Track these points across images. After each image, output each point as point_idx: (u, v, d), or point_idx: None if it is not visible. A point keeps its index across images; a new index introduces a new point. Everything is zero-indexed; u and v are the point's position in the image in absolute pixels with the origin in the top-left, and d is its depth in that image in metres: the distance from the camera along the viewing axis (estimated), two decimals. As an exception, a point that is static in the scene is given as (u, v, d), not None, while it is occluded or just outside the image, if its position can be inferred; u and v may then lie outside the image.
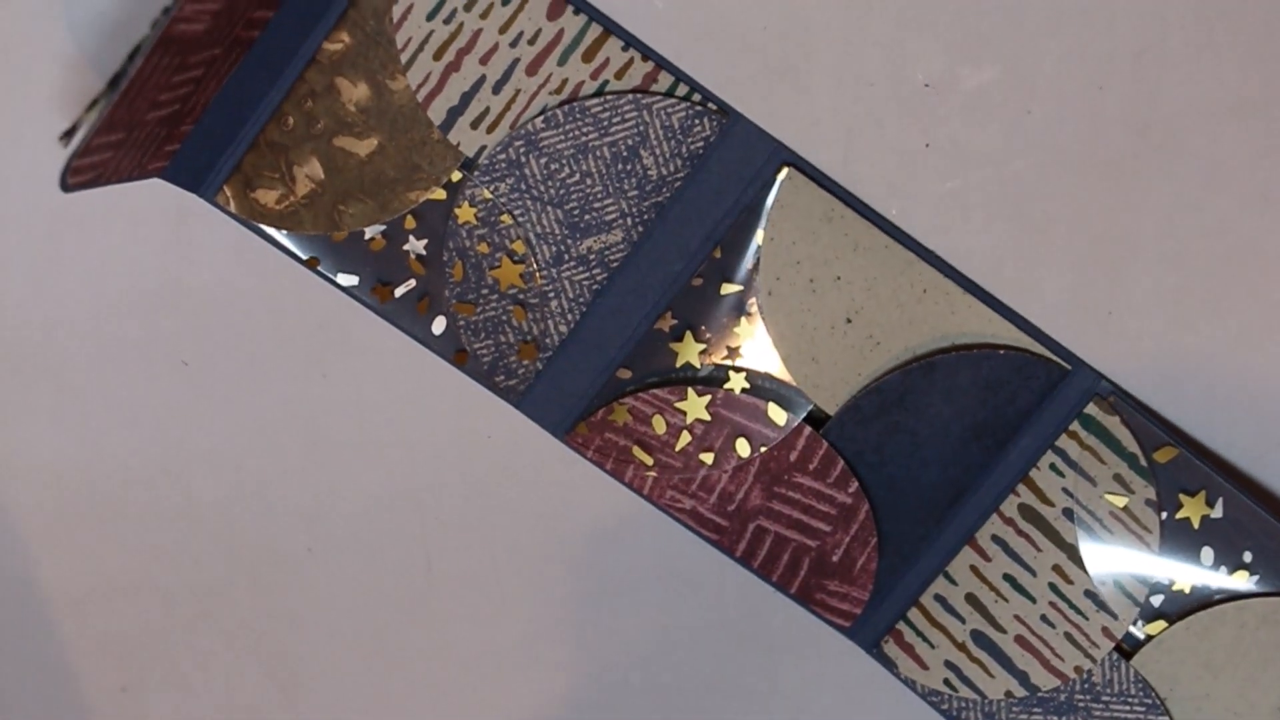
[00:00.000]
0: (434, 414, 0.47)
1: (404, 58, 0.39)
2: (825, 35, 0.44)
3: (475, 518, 0.49)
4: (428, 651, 0.52)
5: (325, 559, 0.50)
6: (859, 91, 0.43)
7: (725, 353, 0.41)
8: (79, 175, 0.37)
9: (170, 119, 0.39)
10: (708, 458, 0.40)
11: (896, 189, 0.44)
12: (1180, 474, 0.41)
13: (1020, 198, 0.45)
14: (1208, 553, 0.41)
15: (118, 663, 0.51)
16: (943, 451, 0.41)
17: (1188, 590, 0.41)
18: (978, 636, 0.41)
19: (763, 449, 0.41)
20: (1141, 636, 0.42)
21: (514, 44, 0.39)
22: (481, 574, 0.50)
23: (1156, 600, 0.42)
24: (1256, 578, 0.41)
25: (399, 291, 0.41)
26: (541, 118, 0.39)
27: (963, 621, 0.41)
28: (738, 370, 0.41)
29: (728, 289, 0.40)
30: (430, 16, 0.38)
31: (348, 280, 0.41)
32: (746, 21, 0.44)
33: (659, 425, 0.41)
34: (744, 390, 0.41)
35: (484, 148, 0.40)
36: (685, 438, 0.40)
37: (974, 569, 0.41)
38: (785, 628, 0.49)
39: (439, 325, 0.41)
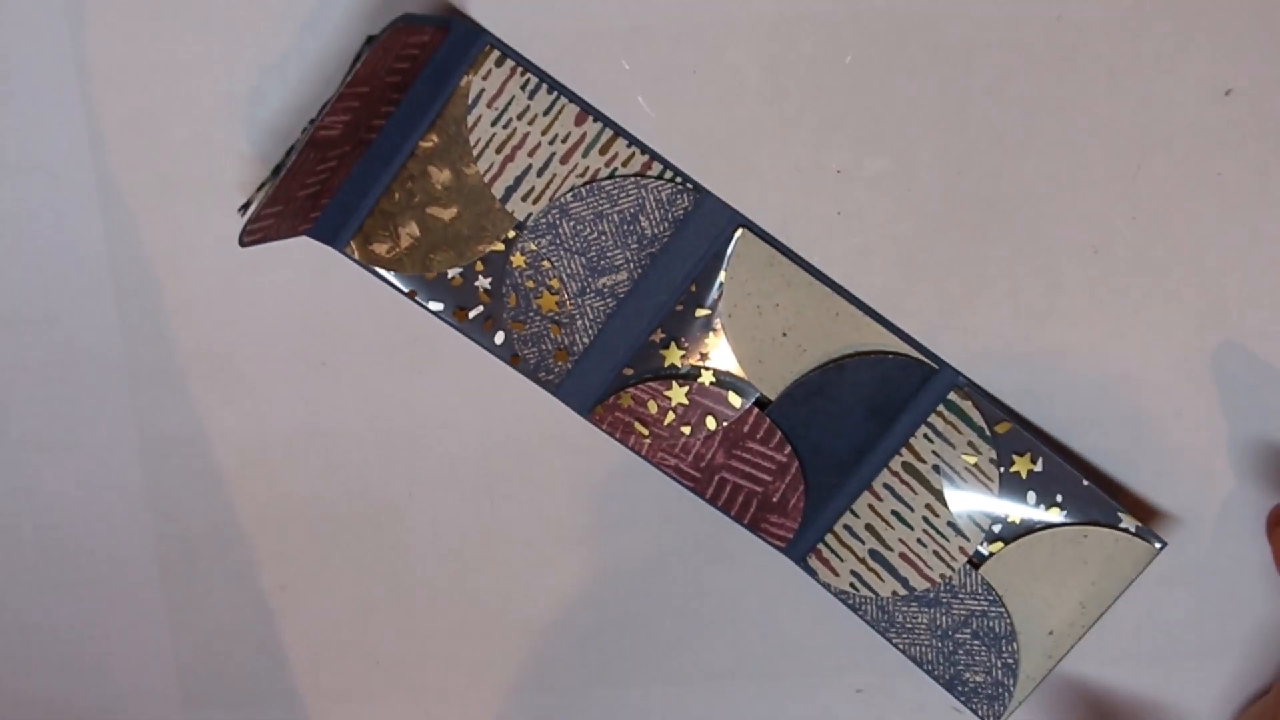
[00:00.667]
0: (497, 403, 0.54)
1: (475, 152, 0.50)
2: (769, 139, 0.52)
3: (525, 472, 0.56)
4: (490, 561, 0.58)
5: (421, 501, 0.58)
6: (792, 176, 0.53)
7: (698, 357, 0.52)
8: (251, 235, 0.48)
9: (313, 195, 0.50)
10: (686, 429, 0.53)
11: (818, 244, 0.53)
12: (1013, 441, 0.52)
13: (906, 249, 0.53)
14: (1031, 495, 0.52)
15: (280, 570, 0.59)
16: (849, 426, 0.53)
17: (1018, 521, 0.53)
18: (874, 554, 0.54)
19: (725, 424, 0.53)
20: (986, 553, 0.53)
21: (551, 142, 0.50)
22: (528, 511, 0.57)
23: (996, 528, 0.53)
24: (1065, 513, 0.52)
25: (471, 314, 0.53)
26: (571, 193, 0.51)
27: (863, 543, 0.54)
28: (707, 369, 0.52)
29: (700, 312, 0.52)
30: (494, 123, 0.50)
31: (436, 306, 0.52)
32: (713, 127, 0.51)
33: (652, 407, 0.53)
34: (712, 383, 0.53)
35: (530, 214, 0.51)
36: (671, 416, 0.53)
37: (871, 507, 0.53)
38: (739, 548, 0.56)
39: (499, 338, 0.53)
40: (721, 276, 0.51)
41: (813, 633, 0.58)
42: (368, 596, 0.59)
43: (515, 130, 0.50)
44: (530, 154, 0.51)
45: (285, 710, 0.61)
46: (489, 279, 0.52)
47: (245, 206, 0.52)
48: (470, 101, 0.50)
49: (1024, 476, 0.52)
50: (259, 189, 0.52)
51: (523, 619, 0.59)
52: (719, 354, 0.52)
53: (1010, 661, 0.54)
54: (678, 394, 0.53)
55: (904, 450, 0.53)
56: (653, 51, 0.52)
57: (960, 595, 0.54)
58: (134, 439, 0.57)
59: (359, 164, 0.50)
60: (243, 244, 0.48)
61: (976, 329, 0.54)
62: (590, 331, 0.52)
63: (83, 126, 0.53)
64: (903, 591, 0.54)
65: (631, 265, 0.52)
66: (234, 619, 0.59)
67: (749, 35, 0.52)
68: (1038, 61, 0.52)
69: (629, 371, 0.53)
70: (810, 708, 0.59)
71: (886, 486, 0.53)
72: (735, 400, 0.53)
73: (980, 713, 0.54)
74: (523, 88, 0.50)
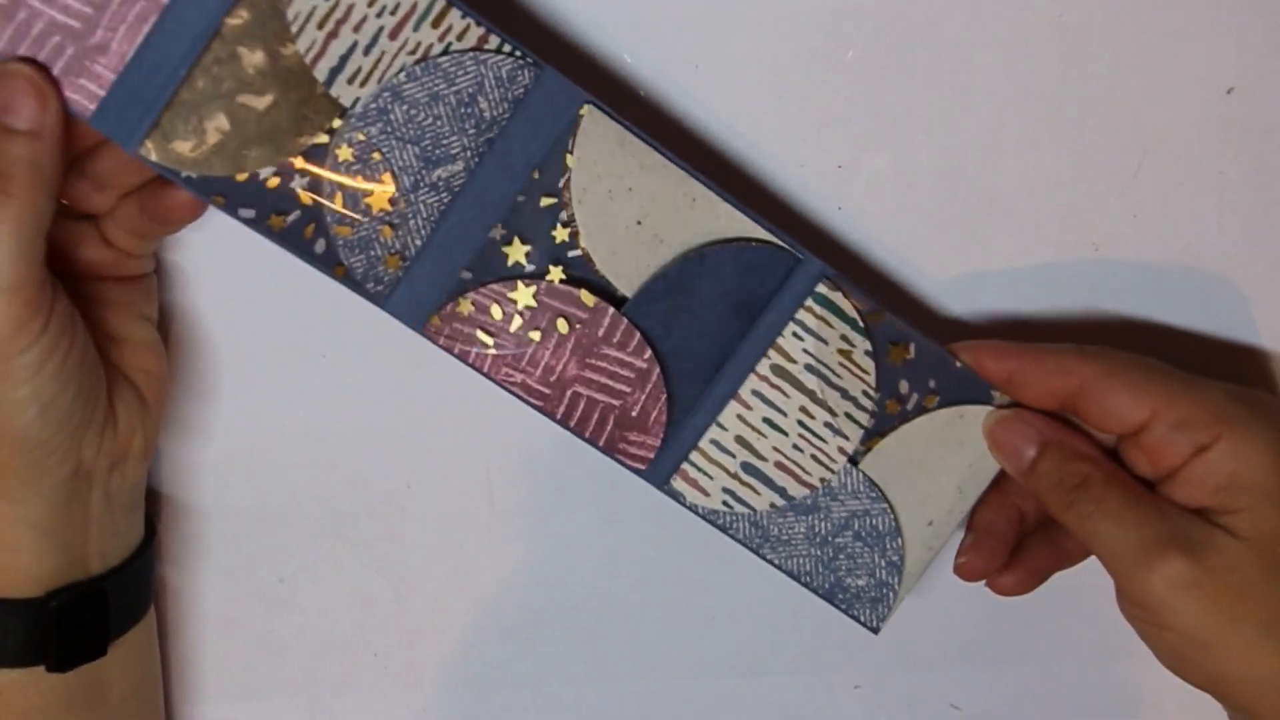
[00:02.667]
0: (497, 395, 0.50)
1: (294, 29, 0.45)
2: (770, 134, 0.53)
3: (525, 465, 0.57)
4: (489, 553, 0.58)
5: (420, 493, 0.57)
6: (793, 171, 0.53)
7: (545, 251, 0.48)
8: None
9: (71, 34, 0.44)
10: (535, 335, 0.49)
11: (820, 240, 0.54)
12: (888, 331, 0.50)
13: (906, 245, 0.54)
14: (904, 384, 0.50)
15: (278, 562, 0.58)
16: (712, 324, 0.49)
17: (895, 412, 0.50)
18: (746, 467, 0.50)
19: (578, 326, 0.49)
20: (864, 449, 0.51)
21: (379, 15, 0.46)
22: (527, 504, 0.57)
23: (872, 423, 0.50)
24: (939, 398, 0.50)
25: (289, 219, 0.47)
26: (404, 73, 0.46)
27: (734, 457, 0.50)
28: (556, 265, 0.48)
29: (546, 201, 0.48)
30: None
31: (247, 214, 0.47)
32: (713, 123, 0.53)
33: (496, 313, 0.48)
34: (562, 280, 0.48)
35: (358, 99, 0.46)
36: (518, 321, 0.48)
37: (740, 417, 0.50)
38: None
39: (320, 246, 0.47)
40: (568, 160, 0.47)
41: (811, 629, 0.59)
42: (366, 589, 0.59)
43: (338, 2, 0.45)
44: (356, 29, 0.46)
45: (283, 703, 0.60)
46: (308, 177, 0.47)
47: None
48: (286, -31, 0.45)
49: (899, 365, 0.50)
50: None
51: (521, 612, 0.59)
52: (567, 247, 0.48)
53: (895, 559, 0.51)
54: (524, 295, 0.48)
55: (772, 351, 0.50)
56: (655, 47, 0.52)
57: (840, 497, 0.51)
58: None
59: (150, 41, 0.45)
60: None
61: (975, 327, 0.55)
62: (424, 232, 0.48)
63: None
64: (780, 502, 0.51)
65: (468, 154, 0.47)
66: (231, 611, 0.59)
67: (751, 31, 0.52)
68: (1038, 61, 0.53)
69: (468, 274, 0.48)
70: (808, 705, 0.59)
71: (756, 393, 0.50)
72: (588, 299, 0.48)
73: (863, 617, 0.52)
74: (345, -48, 0.45)
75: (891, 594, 0.52)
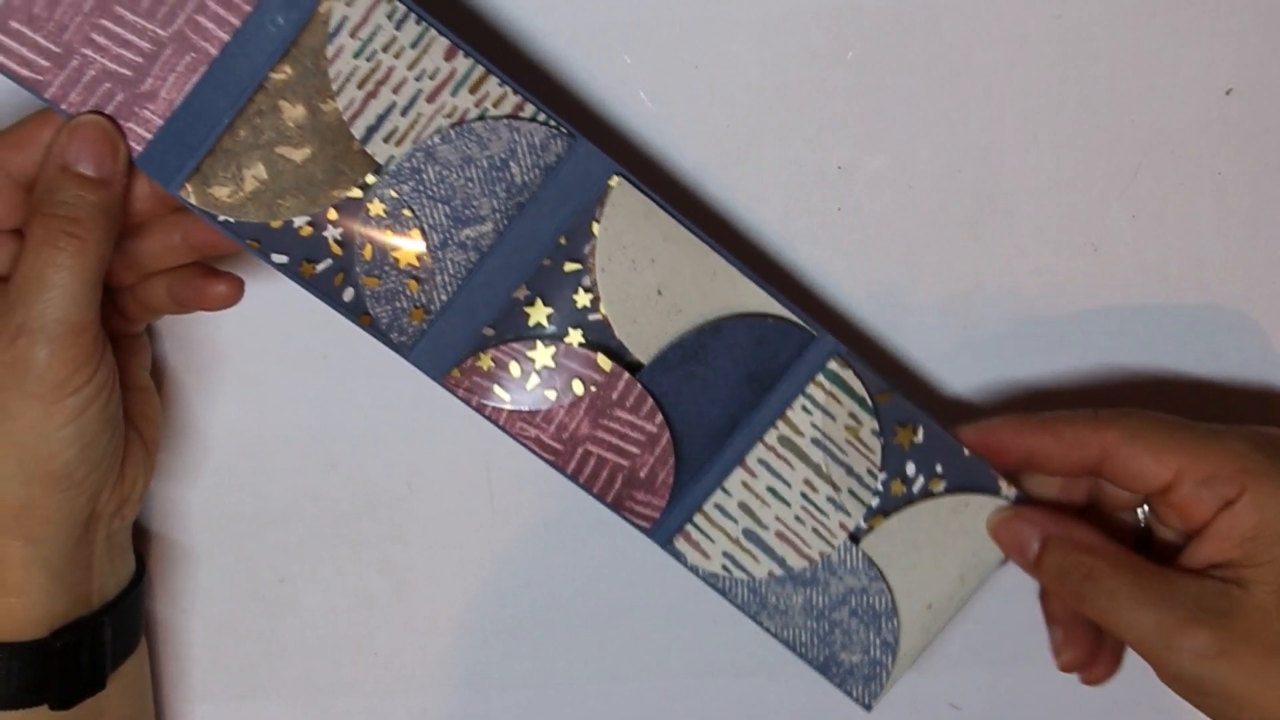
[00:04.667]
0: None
1: (335, 86, 0.47)
2: (770, 134, 0.53)
3: (525, 465, 0.54)
4: (489, 553, 0.58)
5: (420, 494, 0.58)
6: (792, 172, 0.54)
7: (567, 315, 0.49)
8: (5, 54, 0.45)
9: (122, 82, 0.46)
10: (551, 394, 0.50)
11: (818, 240, 0.54)
12: (895, 411, 0.51)
13: (906, 246, 0.54)
14: (911, 466, 0.51)
15: (279, 562, 0.59)
16: (724, 393, 0.50)
17: (899, 493, 0.51)
18: (748, 533, 0.51)
19: (593, 389, 0.50)
20: (866, 527, 0.51)
21: (418, 78, 0.47)
22: (527, 504, 0.57)
23: (876, 502, 0.51)
24: (945, 483, 0.51)
25: (319, 267, 0.48)
26: (438, 135, 0.48)
27: (736, 523, 0.51)
28: (576, 328, 0.49)
29: (570, 267, 0.49)
30: (356, 55, 0.46)
31: (280, 259, 0.48)
32: (714, 122, 0.53)
33: (515, 370, 0.49)
34: (580, 344, 0.49)
35: (392, 157, 0.48)
36: (535, 379, 0.50)
37: (744, 484, 0.51)
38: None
39: (349, 295, 0.49)
40: (595, 228, 0.49)
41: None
42: (366, 589, 0.59)
43: (380, 64, 0.47)
44: (395, 90, 0.47)
45: (283, 703, 0.60)
46: (340, 229, 0.48)
47: None
48: (331, 30, 0.46)
49: (906, 448, 0.51)
50: None
51: (521, 612, 0.59)
52: (588, 312, 0.49)
53: (890, 639, 0.52)
54: (543, 355, 0.49)
55: (780, 423, 0.51)
56: (655, 47, 0.53)
57: (839, 573, 0.52)
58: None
59: (196, 91, 0.46)
60: None
61: (976, 327, 0.55)
62: (450, 288, 0.49)
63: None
64: (779, 572, 0.52)
65: (498, 216, 0.48)
66: (233, 611, 0.59)
67: (751, 31, 0.53)
68: (1038, 61, 0.53)
69: (490, 331, 0.49)
70: (808, 705, 0.59)
71: (762, 462, 0.51)
72: (605, 363, 0.49)
73: (855, 694, 0.52)
74: (389, 16, 0.46)
75: (884, 673, 0.53)
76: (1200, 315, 0.55)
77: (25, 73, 0.46)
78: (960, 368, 0.56)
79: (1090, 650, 0.52)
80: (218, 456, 0.58)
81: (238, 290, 0.51)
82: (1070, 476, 0.51)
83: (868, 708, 0.53)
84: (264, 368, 0.57)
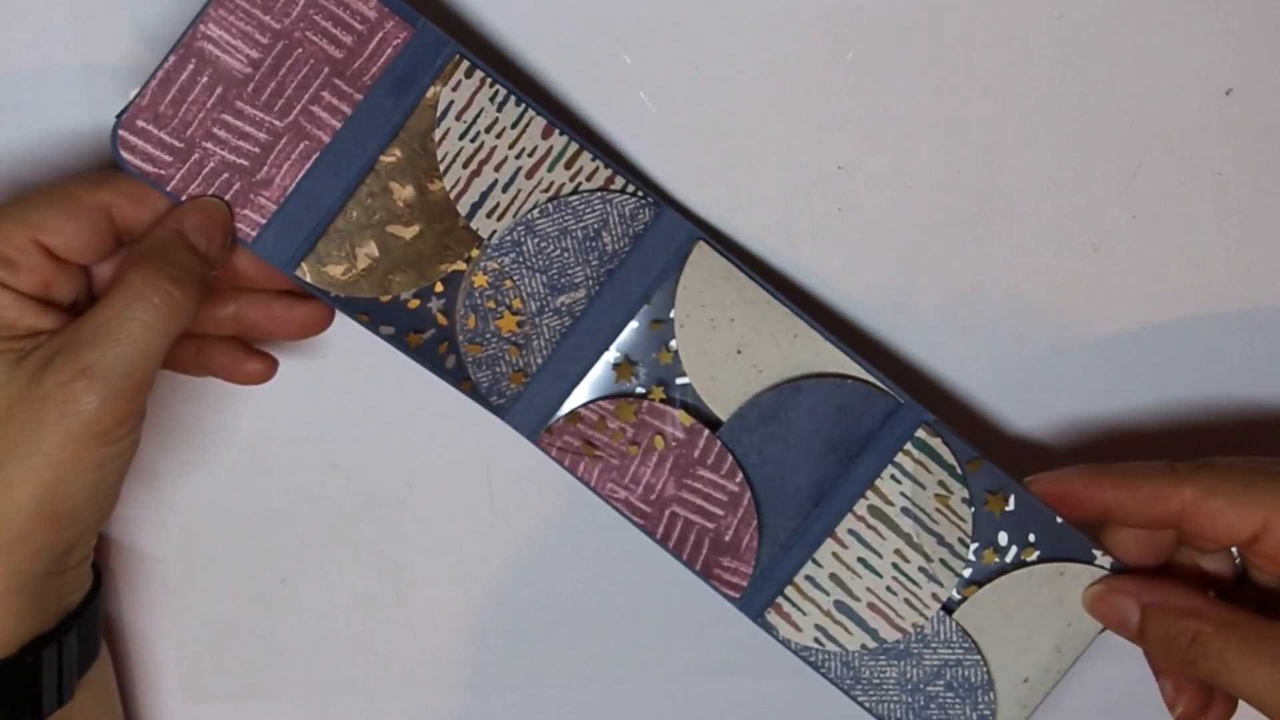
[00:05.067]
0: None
1: (441, 167, 0.50)
2: (770, 135, 0.53)
3: (524, 464, 0.56)
4: (489, 553, 0.58)
5: (421, 494, 0.58)
6: (793, 172, 0.54)
7: (650, 373, 0.51)
8: (130, 151, 0.48)
9: (239, 171, 0.49)
10: (634, 450, 0.51)
11: (818, 240, 0.54)
12: (985, 479, 0.50)
13: (906, 246, 0.54)
14: (1003, 535, 0.50)
15: (280, 562, 0.59)
16: (808, 459, 0.50)
17: (992, 563, 0.50)
18: (840, 605, 0.50)
19: (673, 444, 0.51)
20: (959, 598, 0.50)
21: (518, 156, 0.50)
22: (527, 503, 0.57)
23: (968, 572, 0.50)
24: (1039, 552, 0.49)
25: (424, 337, 0.51)
26: (537, 210, 0.51)
27: (828, 595, 0.50)
28: (658, 386, 0.51)
29: (654, 327, 0.51)
30: (461, 136, 0.50)
31: (386, 330, 0.51)
32: (714, 123, 0.54)
33: (602, 427, 0.51)
34: (661, 400, 0.51)
35: (494, 231, 0.51)
36: (620, 436, 0.51)
37: (835, 555, 0.50)
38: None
39: (451, 362, 0.51)
40: (678, 290, 0.50)
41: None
42: (367, 589, 0.59)
43: (483, 144, 0.50)
44: (496, 169, 0.51)
45: (285, 703, 0.60)
46: (443, 299, 0.51)
47: (123, 114, 0.50)
48: (439, 114, 0.50)
49: (997, 516, 0.49)
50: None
51: (521, 612, 0.59)
52: (671, 370, 0.51)
53: (986, 713, 0.50)
54: (627, 413, 0.51)
55: (869, 493, 0.50)
56: (655, 47, 0.54)
57: (933, 644, 0.50)
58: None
59: (308, 173, 0.50)
60: (117, 154, 0.49)
61: (976, 327, 0.55)
62: (545, 351, 0.51)
63: (87, 126, 0.54)
64: (872, 644, 0.50)
65: (590, 282, 0.51)
66: (233, 611, 0.60)
67: (751, 32, 0.53)
68: (1038, 61, 0.53)
69: (581, 392, 0.51)
70: (808, 705, 0.58)
71: (852, 532, 0.50)
72: (685, 419, 0.51)
73: None
74: (491, 99, 0.50)
75: None
76: (1200, 315, 0.54)
77: (149, 169, 0.49)
78: (960, 368, 0.55)
79: (1204, 698, 0.49)
80: (218, 456, 0.58)
81: (271, 371, 0.53)
82: (1150, 529, 0.49)
83: None
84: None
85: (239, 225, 0.50)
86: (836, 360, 0.50)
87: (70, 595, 0.51)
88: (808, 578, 0.50)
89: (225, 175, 0.50)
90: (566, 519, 0.58)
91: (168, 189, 0.49)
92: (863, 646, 0.50)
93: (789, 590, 0.50)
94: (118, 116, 0.49)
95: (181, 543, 0.59)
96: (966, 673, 0.50)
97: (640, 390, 0.51)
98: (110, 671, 0.56)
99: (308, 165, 0.50)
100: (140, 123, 0.49)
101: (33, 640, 0.49)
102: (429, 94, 0.50)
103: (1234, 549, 0.49)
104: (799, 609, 0.50)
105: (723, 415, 0.51)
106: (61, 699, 0.51)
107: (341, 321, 0.53)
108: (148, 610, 0.59)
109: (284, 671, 0.60)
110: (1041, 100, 0.53)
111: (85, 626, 0.52)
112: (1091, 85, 0.53)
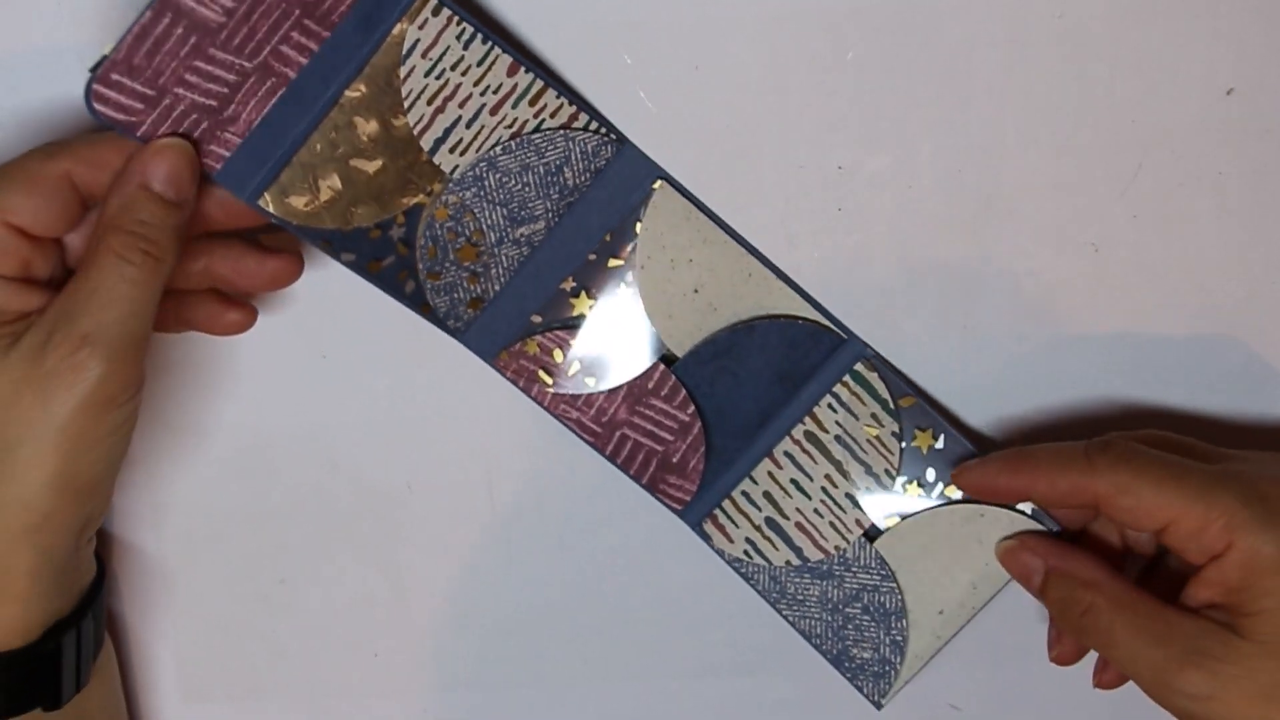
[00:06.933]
0: (497, 395, 0.55)
1: (406, 103, 0.51)
2: (770, 134, 0.54)
3: (525, 465, 0.57)
4: (489, 554, 0.58)
5: (420, 494, 0.58)
6: (793, 172, 0.54)
7: (608, 307, 0.53)
8: (104, 102, 0.48)
9: (207, 111, 0.49)
10: (591, 381, 0.54)
11: (818, 240, 0.54)
12: (916, 416, 0.53)
13: (906, 246, 0.54)
14: (931, 471, 0.53)
15: (279, 562, 0.59)
16: (755, 389, 0.54)
17: (916, 496, 0.53)
18: (770, 522, 0.54)
19: (630, 377, 0.54)
20: (882, 528, 0.54)
21: (483, 94, 0.51)
22: (528, 504, 0.57)
23: (894, 503, 0.54)
24: (962, 491, 0.53)
25: (384, 264, 0.53)
26: (499, 147, 0.52)
27: (760, 510, 0.54)
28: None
29: (613, 263, 0.53)
30: (427, 74, 0.51)
31: (348, 257, 0.52)
32: (714, 123, 0.54)
33: (558, 356, 0.54)
34: None
35: (456, 166, 0.52)
36: (576, 365, 0.54)
37: (770, 474, 0.54)
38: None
39: (410, 287, 0.53)
40: (638, 228, 0.53)
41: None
42: (367, 589, 0.59)
43: (448, 81, 0.51)
44: (461, 105, 0.52)
45: (284, 703, 0.60)
46: (404, 229, 0.53)
47: (97, 68, 0.49)
48: (405, 51, 0.51)
49: (925, 452, 0.54)
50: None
51: (521, 612, 0.59)
52: (629, 306, 0.53)
53: (899, 639, 0.54)
54: (584, 343, 0.54)
55: (807, 419, 0.54)
56: (655, 47, 0.54)
57: (853, 569, 0.54)
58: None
59: (274, 107, 0.50)
60: (91, 106, 0.48)
61: (976, 327, 0.55)
62: (502, 279, 0.53)
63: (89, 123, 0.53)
64: (796, 561, 0.54)
65: (550, 215, 0.53)
66: (233, 612, 0.60)
67: (751, 31, 0.53)
68: (1038, 61, 0.53)
69: (538, 319, 0.54)
70: (808, 705, 0.59)
71: (787, 454, 0.54)
72: (643, 354, 0.54)
73: (866, 689, 0.55)
74: (458, 38, 0.51)
75: (893, 672, 0.55)
76: (1200, 316, 0.55)
77: (121, 117, 0.49)
78: (960, 367, 0.56)
79: (1082, 647, 0.53)
80: (218, 456, 0.58)
81: (251, 319, 0.53)
82: (1071, 509, 0.52)
83: (878, 705, 0.55)
84: (264, 368, 0.57)
85: (205, 161, 0.50)
86: (789, 300, 0.53)
87: (84, 576, 0.52)
88: (743, 493, 0.54)
89: (194, 116, 0.50)
90: (566, 519, 0.58)
91: (138, 134, 0.49)
92: (787, 563, 0.54)
93: (725, 504, 0.54)
94: (91, 71, 0.48)
95: (181, 543, 0.59)
96: (883, 599, 0.54)
97: (597, 322, 0.54)
98: (114, 660, 0.57)
99: (273, 100, 0.50)
100: (115, 75, 0.49)
101: (55, 625, 0.50)
102: (395, 31, 0.51)
103: None
104: (733, 522, 0.54)
105: (678, 351, 0.54)
106: (79, 684, 0.51)
107: (342, 321, 0.54)
108: (147, 610, 0.60)
109: (284, 672, 0.60)
110: (1041, 100, 0.54)
111: (97, 611, 0.53)
112: (1092, 85, 0.53)
